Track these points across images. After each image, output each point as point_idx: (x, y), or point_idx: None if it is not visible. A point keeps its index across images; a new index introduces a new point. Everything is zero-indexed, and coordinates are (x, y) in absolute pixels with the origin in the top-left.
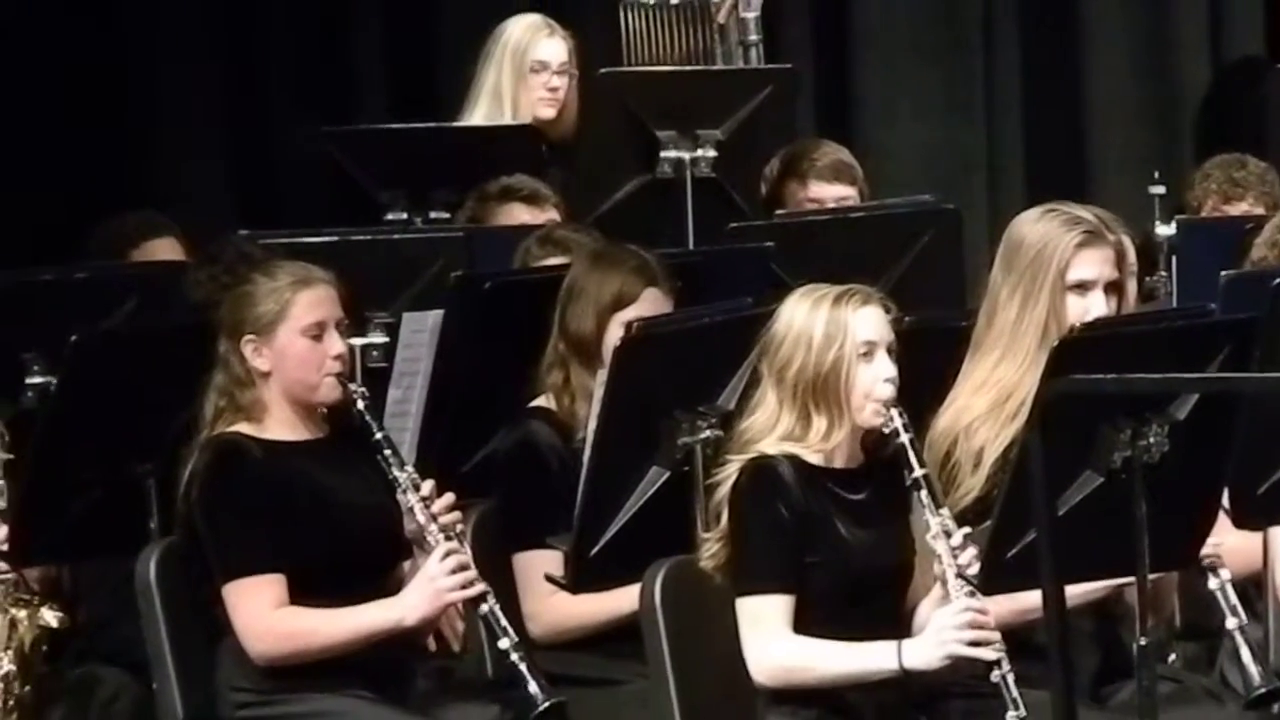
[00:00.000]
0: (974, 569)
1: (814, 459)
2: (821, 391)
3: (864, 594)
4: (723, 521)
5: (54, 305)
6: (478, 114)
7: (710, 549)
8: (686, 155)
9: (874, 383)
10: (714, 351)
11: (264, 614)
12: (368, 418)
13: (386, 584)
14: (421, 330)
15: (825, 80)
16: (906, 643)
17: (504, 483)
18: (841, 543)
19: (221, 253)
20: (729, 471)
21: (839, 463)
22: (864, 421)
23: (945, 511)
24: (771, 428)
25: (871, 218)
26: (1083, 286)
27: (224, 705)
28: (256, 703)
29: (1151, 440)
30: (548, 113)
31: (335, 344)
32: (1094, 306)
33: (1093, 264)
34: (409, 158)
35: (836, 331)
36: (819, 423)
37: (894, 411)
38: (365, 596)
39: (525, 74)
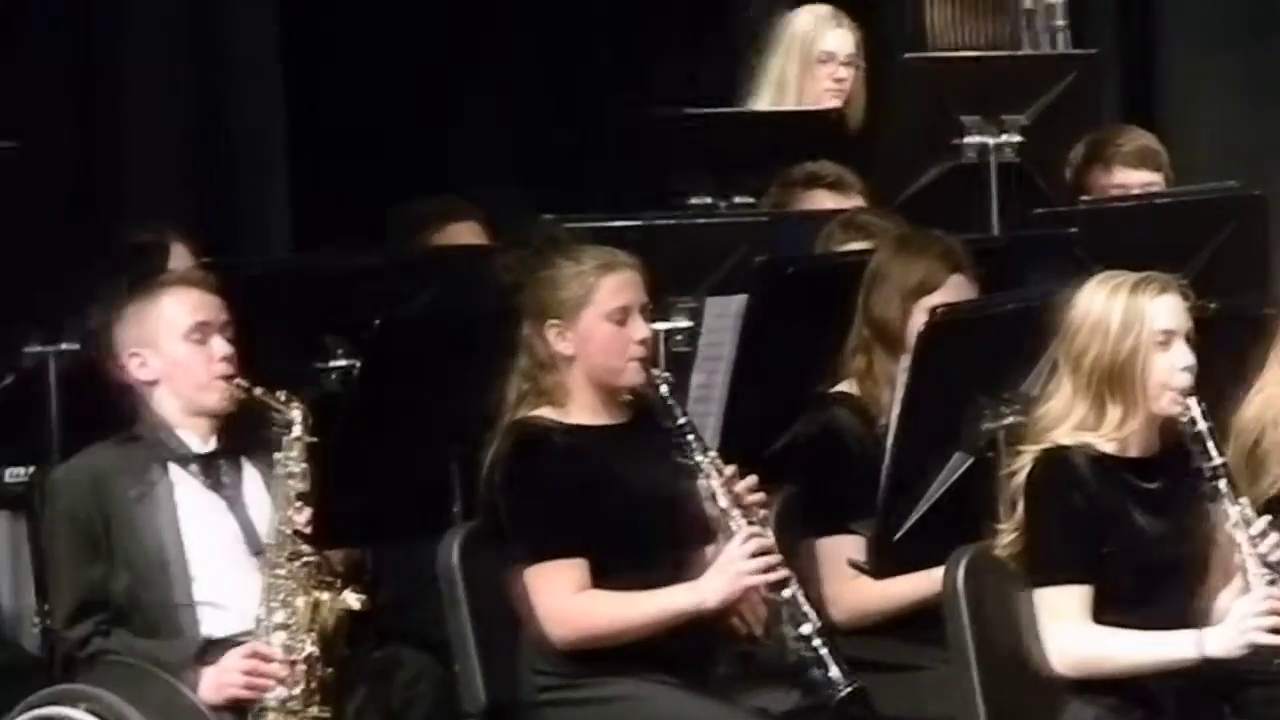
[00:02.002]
0: (1275, 557)
1: (1108, 448)
2: (1117, 380)
3: (1160, 583)
4: (1018, 511)
5: (357, 289)
6: (762, 103)
7: (1005, 538)
8: (991, 141)
9: (1171, 371)
10: (1017, 337)
11: (565, 598)
12: (670, 403)
13: (688, 569)
14: (725, 315)
15: (1131, 65)
16: (1208, 631)
17: (807, 468)
18: (1137, 532)
19: (530, 236)
20: (1023, 461)
21: (1134, 451)
22: (1160, 410)
23: (1245, 500)
24: (1066, 416)
25: (1176, 204)
26: None
27: (526, 689)
28: (558, 686)
29: None
30: (833, 104)
31: (639, 329)
32: None
33: None
34: (713, 143)
35: (1134, 320)
36: (1114, 411)
37: (1191, 400)
38: (666, 581)
39: (812, 64)
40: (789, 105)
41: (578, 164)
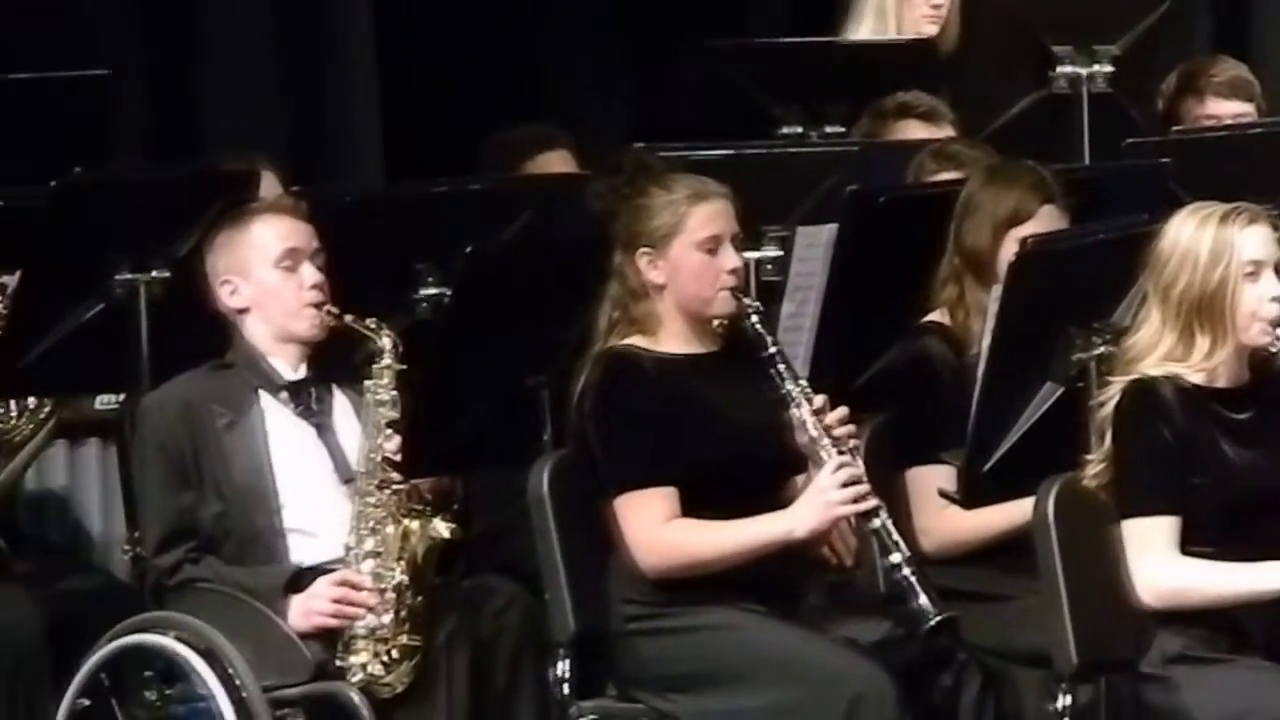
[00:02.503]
0: None
1: (1196, 379)
2: (1206, 311)
3: (1249, 514)
4: (1106, 442)
5: (449, 217)
6: (862, 30)
7: (1093, 469)
8: (1083, 70)
9: (1260, 302)
10: (1108, 268)
11: (654, 526)
12: (760, 331)
13: (777, 499)
14: (816, 244)
15: None
16: None
17: (897, 398)
18: (1226, 463)
19: (622, 164)
20: (1111, 393)
21: (1222, 382)
22: (1249, 341)
23: None
24: (1154, 347)
25: (1269, 134)
26: None
27: (614, 618)
28: (647, 615)
29: None
30: (930, 30)
31: (730, 258)
32: None
33: None
34: (804, 72)
35: (1223, 250)
36: (1202, 342)
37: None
38: (755, 510)
39: None
40: (889, 32)
41: (670, 92)
